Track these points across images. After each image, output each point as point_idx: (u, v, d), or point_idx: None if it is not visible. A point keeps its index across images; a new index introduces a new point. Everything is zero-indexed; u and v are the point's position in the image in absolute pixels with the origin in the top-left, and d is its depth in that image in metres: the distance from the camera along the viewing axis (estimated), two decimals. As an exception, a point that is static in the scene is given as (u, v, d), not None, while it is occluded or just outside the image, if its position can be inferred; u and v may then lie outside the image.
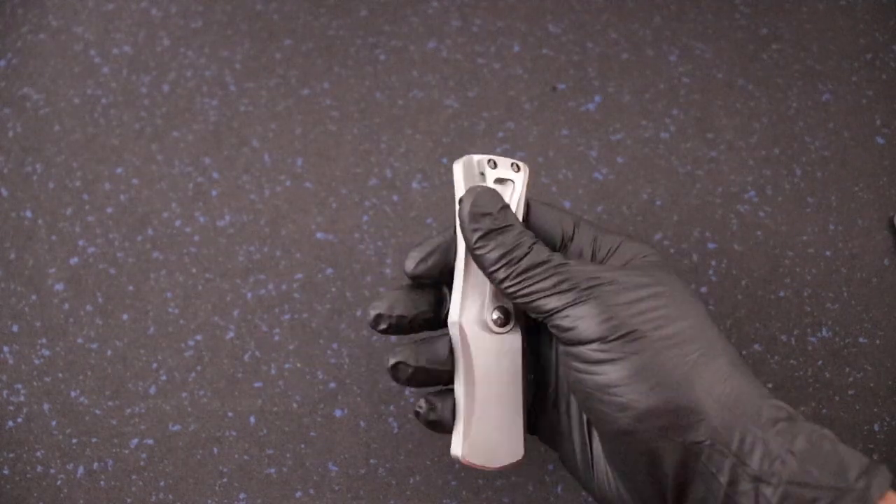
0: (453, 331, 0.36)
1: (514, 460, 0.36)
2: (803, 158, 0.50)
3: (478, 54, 0.53)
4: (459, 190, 0.36)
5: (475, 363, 0.35)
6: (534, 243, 0.34)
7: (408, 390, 0.45)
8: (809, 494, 0.28)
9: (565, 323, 0.32)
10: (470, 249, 0.34)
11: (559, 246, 0.37)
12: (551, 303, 0.32)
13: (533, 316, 0.33)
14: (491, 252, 0.33)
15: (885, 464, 0.29)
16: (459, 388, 0.36)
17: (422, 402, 0.36)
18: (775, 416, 0.30)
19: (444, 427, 0.36)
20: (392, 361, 0.36)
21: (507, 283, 0.33)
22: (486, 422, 0.35)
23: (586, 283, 0.32)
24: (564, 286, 0.32)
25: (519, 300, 0.33)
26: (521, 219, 0.37)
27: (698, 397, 0.30)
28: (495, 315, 0.35)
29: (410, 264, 0.36)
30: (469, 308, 0.36)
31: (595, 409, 0.32)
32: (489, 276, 0.34)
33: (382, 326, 0.37)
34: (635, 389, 0.30)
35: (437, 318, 0.37)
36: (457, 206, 0.35)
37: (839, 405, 0.44)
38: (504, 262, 0.33)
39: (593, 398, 0.31)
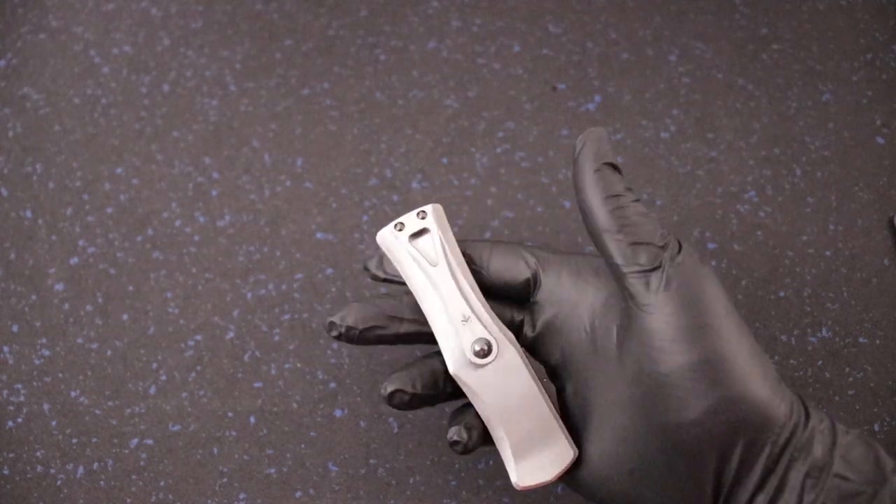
0: (457, 380, 0.36)
1: (566, 464, 0.35)
2: (803, 158, 0.50)
3: (478, 54, 0.53)
4: (395, 262, 0.38)
5: (485, 400, 0.35)
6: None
7: (408, 390, 0.45)
8: (854, 488, 0.30)
9: (654, 284, 0.32)
10: (583, 178, 0.34)
11: (532, 286, 0.37)
12: (653, 252, 0.32)
13: (622, 266, 0.33)
14: (600, 184, 0.34)
15: None
16: (487, 424, 0.36)
17: (462, 432, 0.36)
18: (820, 415, 0.32)
19: (477, 448, 0.36)
20: (389, 389, 0.36)
21: (616, 215, 0.33)
22: (521, 445, 0.35)
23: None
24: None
25: (627, 236, 0.33)
26: (454, 256, 0.37)
27: (768, 391, 0.31)
28: (477, 348, 0.36)
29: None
30: (452, 353, 0.36)
31: (667, 396, 0.32)
32: (594, 211, 0.34)
33: (333, 334, 0.37)
34: (716, 374, 0.31)
35: (392, 335, 0.38)
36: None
37: (839, 405, 0.44)
38: (614, 198, 0.33)
39: (669, 383, 0.31)
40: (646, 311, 0.32)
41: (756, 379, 0.31)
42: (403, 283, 0.39)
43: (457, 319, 0.36)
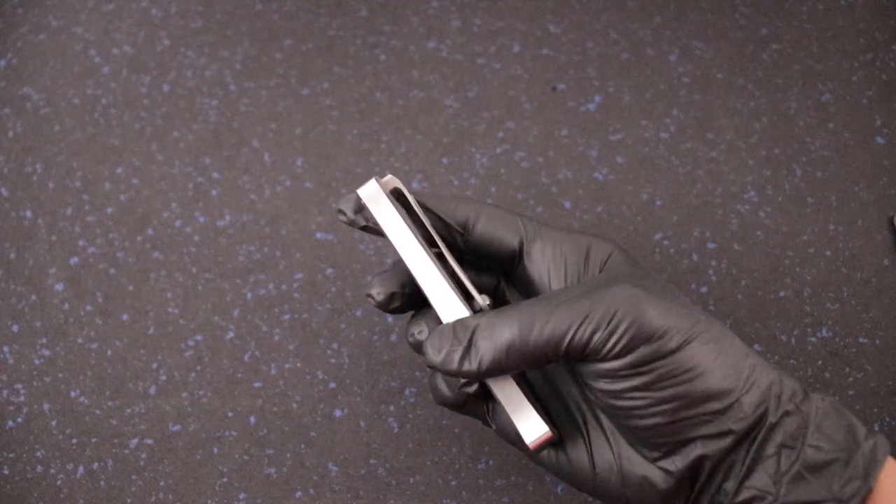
0: None
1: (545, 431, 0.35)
2: (803, 158, 0.50)
3: (478, 54, 0.53)
4: (383, 213, 0.36)
5: None
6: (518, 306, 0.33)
7: (408, 390, 0.45)
8: (828, 456, 0.31)
9: (596, 345, 0.31)
10: (472, 378, 0.33)
11: (518, 252, 0.36)
12: (576, 343, 0.31)
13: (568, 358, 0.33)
14: (480, 355, 0.33)
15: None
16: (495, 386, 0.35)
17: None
18: (792, 388, 0.32)
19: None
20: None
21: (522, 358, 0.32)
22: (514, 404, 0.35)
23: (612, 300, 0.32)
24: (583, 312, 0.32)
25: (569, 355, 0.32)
26: (412, 216, 0.36)
27: (733, 379, 0.31)
28: (487, 301, 0.35)
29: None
30: (454, 303, 0.35)
31: (626, 407, 0.32)
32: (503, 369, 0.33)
33: (396, 304, 0.35)
34: (674, 383, 0.31)
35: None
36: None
37: (839, 405, 0.44)
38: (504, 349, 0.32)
39: (626, 397, 0.32)
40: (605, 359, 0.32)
41: (715, 374, 0.31)
42: (381, 233, 0.36)
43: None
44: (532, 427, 0.34)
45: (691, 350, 0.31)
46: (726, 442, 0.31)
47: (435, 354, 0.33)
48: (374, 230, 0.36)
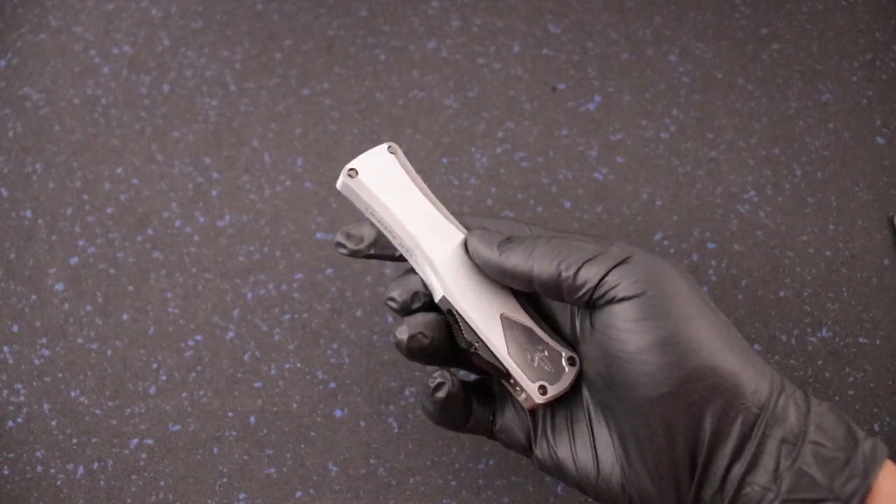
0: (446, 306, 0.36)
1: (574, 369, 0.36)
2: (803, 158, 0.50)
3: (478, 54, 0.53)
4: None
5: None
6: (552, 237, 0.35)
7: (408, 390, 0.45)
8: (829, 454, 0.31)
9: (612, 280, 0.33)
10: (495, 268, 0.35)
11: None
12: (593, 270, 0.33)
13: (572, 293, 0.34)
14: (514, 252, 0.35)
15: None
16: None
17: (436, 375, 0.36)
18: (793, 387, 0.33)
19: (455, 403, 0.37)
20: (401, 335, 0.36)
21: (544, 269, 0.34)
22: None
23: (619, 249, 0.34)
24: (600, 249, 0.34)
25: (567, 276, 0.34)
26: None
27: (737, 361, 0.32)
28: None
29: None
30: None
31: (635, 373, 0.32)
32: (531, 279, 0.35)
33: (418, 304, 0.37)
34: (683, 349, 0.32)
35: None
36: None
37: (839, 405, 0.44)
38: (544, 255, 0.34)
39: (637, 360, 0.32)
40: (613, 301, 0.33)
41: (721, 351, 0.32)
42: (382, 257, 0.38)
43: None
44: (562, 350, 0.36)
45: (699, 323, 0.32)
46: (726, 423, 0.32)
47: (477, 231, 0.36)
48: (380, 256, 0.38)
